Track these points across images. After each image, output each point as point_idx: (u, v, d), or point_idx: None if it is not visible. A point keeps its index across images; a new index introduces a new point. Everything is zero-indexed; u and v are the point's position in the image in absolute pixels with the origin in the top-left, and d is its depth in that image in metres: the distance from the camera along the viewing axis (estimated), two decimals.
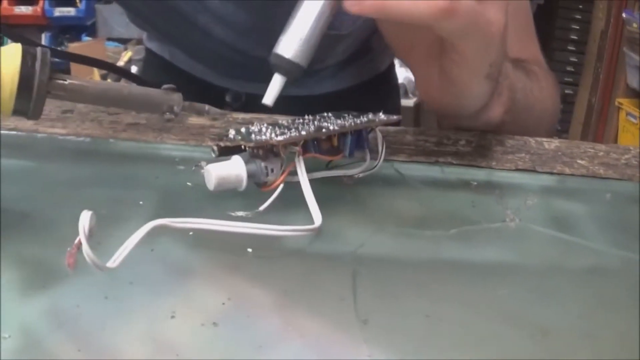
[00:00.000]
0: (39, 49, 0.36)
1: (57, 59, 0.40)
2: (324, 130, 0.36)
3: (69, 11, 2.08)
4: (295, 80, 0.38)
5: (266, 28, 0.60)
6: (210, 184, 0.35)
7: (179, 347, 0.26)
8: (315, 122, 0.38)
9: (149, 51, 0.76)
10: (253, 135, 0.35)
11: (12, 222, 0.33)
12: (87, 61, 0.59)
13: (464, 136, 0.50)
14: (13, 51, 0.34)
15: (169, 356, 0.25)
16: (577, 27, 2.51)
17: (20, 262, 0.30)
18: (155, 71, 0.74)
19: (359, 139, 0.38)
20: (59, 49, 2.08)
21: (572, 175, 0.47)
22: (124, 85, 0.38)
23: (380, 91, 0.76)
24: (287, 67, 0.37)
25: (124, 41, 1.95)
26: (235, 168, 0.35)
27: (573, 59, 2.53)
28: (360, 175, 0.40)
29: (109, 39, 2.13)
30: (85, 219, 0.27)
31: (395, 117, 0.39)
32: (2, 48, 0.34)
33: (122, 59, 2.03)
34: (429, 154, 0.46)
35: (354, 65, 0.70)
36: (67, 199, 0.36)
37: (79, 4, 2.07)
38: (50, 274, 0.29)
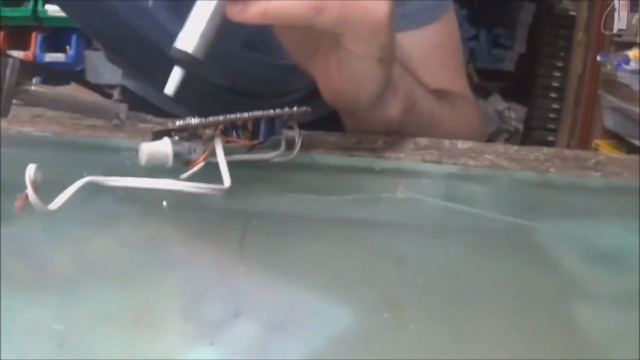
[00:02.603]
0: (10, 59, 0.44)
1: None
2: (238, 116, 0.44)
3: (59, 57, 2.18)
4: (191, 71, 0.42)
5: (233, 53, 0.66)
6: (143, 159, 0.42)
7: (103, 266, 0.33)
8: (235, 114, 0.46)
9: (124, 88, 0.84)
10: (179, 122, 0.43)
11: None
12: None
13: (382, 138, 0.57)
14: None
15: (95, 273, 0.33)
16: (559, 75, 2.60)
17: None
18: (130, 107, 0.81)
19: (272, 127, 0.46)
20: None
21: (476, 166, 0.53)
22: (78, 94, 0.46)
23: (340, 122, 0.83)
24: (186, 60, 0.42)
25: (111, 87, 2.06)
26: (163, 146, 0.42)
27: (555, 106, 2.60)
28: (276, 160, 0.47)
29: (97, 85, 2.24)
30: (30, 170, 0.34)
31: (304, 108, 0.47)
32: None
33: None
34: (345, 150, 0.53)
35: (312, 103, 0.77)
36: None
37: (68, 50, 2.18)
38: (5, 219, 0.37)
